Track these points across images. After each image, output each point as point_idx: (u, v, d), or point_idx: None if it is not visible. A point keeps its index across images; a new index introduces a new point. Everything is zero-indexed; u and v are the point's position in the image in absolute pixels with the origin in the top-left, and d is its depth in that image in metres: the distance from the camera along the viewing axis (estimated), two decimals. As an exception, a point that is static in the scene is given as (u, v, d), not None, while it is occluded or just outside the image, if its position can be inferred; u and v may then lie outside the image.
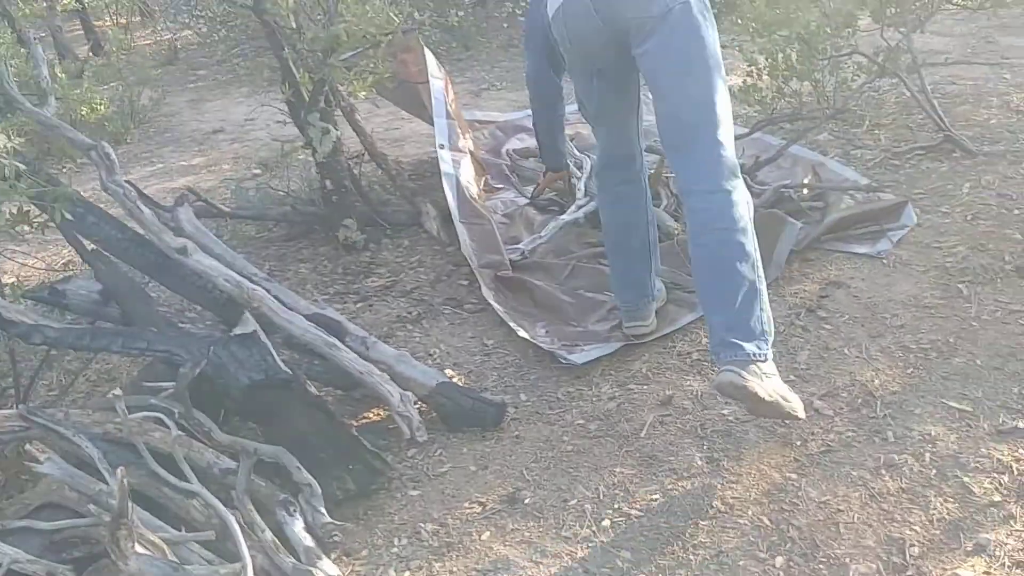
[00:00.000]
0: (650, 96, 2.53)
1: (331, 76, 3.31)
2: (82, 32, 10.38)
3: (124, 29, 9.52)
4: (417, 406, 2.64)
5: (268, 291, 2.72)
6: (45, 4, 8.17)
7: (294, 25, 3.14)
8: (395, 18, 3.15)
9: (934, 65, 4.67)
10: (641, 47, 2.42)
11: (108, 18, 10.36)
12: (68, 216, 2.20)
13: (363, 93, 3.62)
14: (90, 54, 9.13)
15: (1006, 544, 2.01)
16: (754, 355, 2.26)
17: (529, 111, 5.39)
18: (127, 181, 2.77)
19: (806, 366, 2.74)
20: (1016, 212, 3.40)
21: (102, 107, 5.83)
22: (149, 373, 2.50)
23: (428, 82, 3.89)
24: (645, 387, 2.76)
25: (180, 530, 2.04)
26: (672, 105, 2.42)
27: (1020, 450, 2.27)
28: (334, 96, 3.57)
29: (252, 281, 2.74)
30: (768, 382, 2.25)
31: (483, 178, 4.31)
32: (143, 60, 7.97)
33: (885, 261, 3.24)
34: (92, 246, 2.58)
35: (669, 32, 2.36)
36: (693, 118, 2.39)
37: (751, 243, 2.36)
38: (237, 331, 2.35)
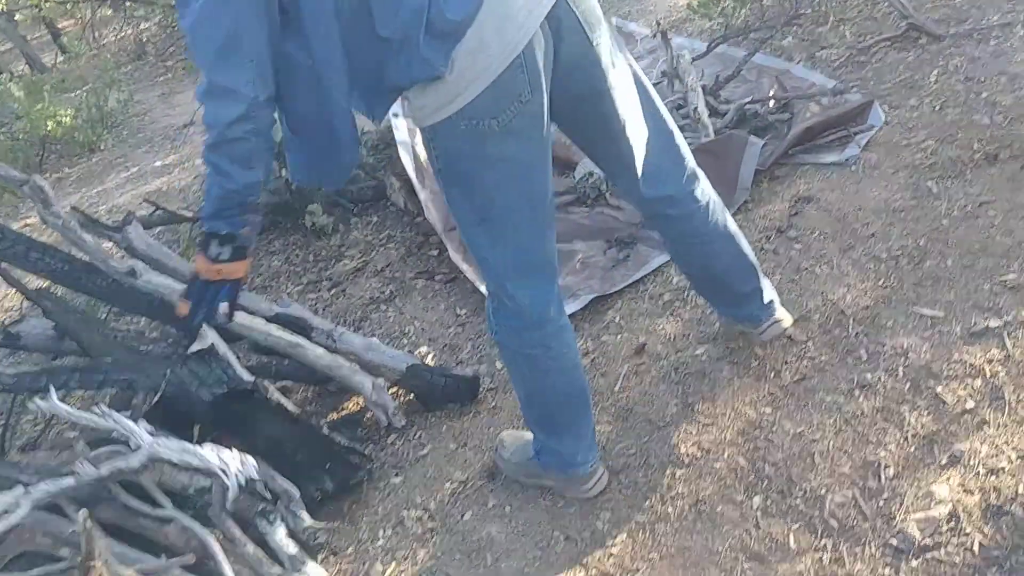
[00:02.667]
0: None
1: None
2: (50, 37, 10.31)
3: (85, 29, 9.40)
4: (392, 391, 2.64)
5: (228, 298, 2.71)
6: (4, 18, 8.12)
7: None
8: None
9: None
10: (596, 79, 1.91)
11: (76, 16, 10.24)
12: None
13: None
14: (57, 60, 9.07)
15: (979, 452, 1.98)
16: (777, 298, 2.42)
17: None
18: (72, 207, 2.75)
19: (778, 291, 2.69)
20: (984, 95, 3.29)
21: (68, 119, 5.79)
22: (120, 400, 2.51)
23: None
24: (619, 337, 2.74)
25: (161, 557, 2.06)
26: (646, 128, 2.05)
27: (992, 351, 2.22)
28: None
29: (210, 291, 2.72)
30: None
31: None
32: (110, 59, 7.91)
33: (854, 167, 3.16)
34: (40, 283, 2.58)
35: (618, 56, 1.96)
36: (669, 130, 2.14)
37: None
38: (194, 348, 2.35)
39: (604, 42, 1.85)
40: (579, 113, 1.92)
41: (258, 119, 1.61)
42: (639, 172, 2.04)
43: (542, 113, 1.78)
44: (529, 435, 2.27)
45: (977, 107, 3.23)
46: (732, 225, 2.25)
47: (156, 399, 2.18)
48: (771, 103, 3.67)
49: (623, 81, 1.92)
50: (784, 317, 2.42)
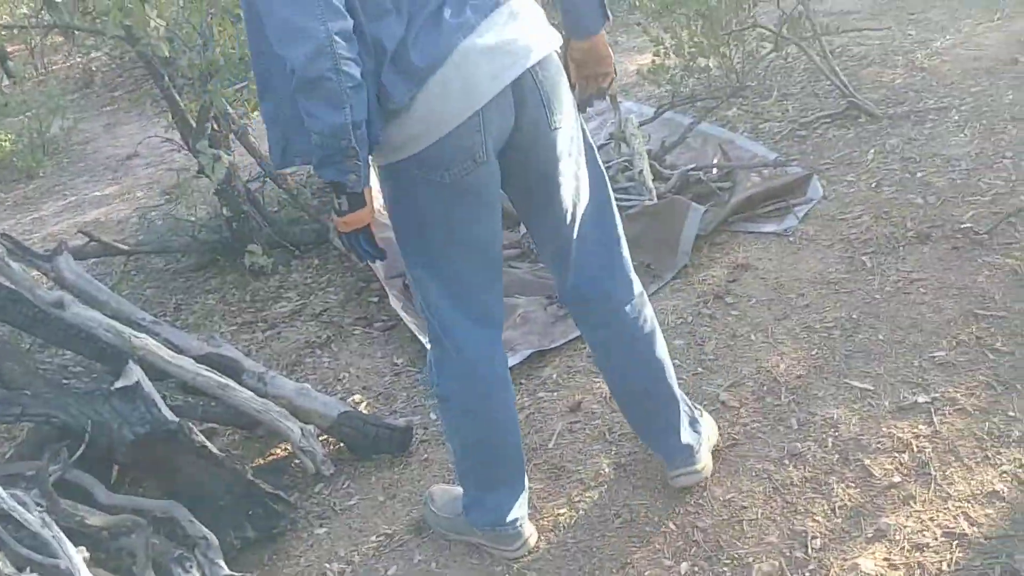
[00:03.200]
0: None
1: (215, 101, 3.22)
2: (-4, 62, 10.11)
3: (33, 54, 9.25)
4: (322, 439, 2.59)
5: (157, 335, 2.65)
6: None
7: (167, 53, 3.04)
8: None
9: (838, 33, 4.66)
10: (545, 164, 1.91)
11: (26, 41, 10.07)
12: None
13: (255, 114, 3.52)
14: (2, 84, 8.90)
15: (906, 527, 1.99)
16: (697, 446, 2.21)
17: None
18: (2, 234, 2.67)
19: (713, 356, 2.72)
20: (919, 175, 3.40)
21: (7, 143, 5.66)
22: (37, 434, 2.42)
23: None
24: (555, 394, 2.73)
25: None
26: (588, 230, 2.03)
27: (919, 426, 2.26)
28: (224, 120, 3.48)
29: (140, 326, 2.66)
30: (706, 451, 2.23)
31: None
32: (56, 87, 7.77)
33: (792, 238, 3.22)
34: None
35: (578, 149, 1.96)
36: (612, 235, 2.08)
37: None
38: (118, 384, 2.28)
39: (565, 127, 1.86)
40: (525, 187, 1.93)
41: (335, 54, 1.54)
42: (569, 267, 2.04)
43: (495, 175, 1.83)
44: (459, 490, 2.23)
45: (912, 187, 3.33)
46: (662, 351, 2.14)
47: (81, 450, 2.11)
48: (714, 171, 3.75)
49: (575, 174, 1.93)
50: (704, 467, 2.21)
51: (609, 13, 1.91)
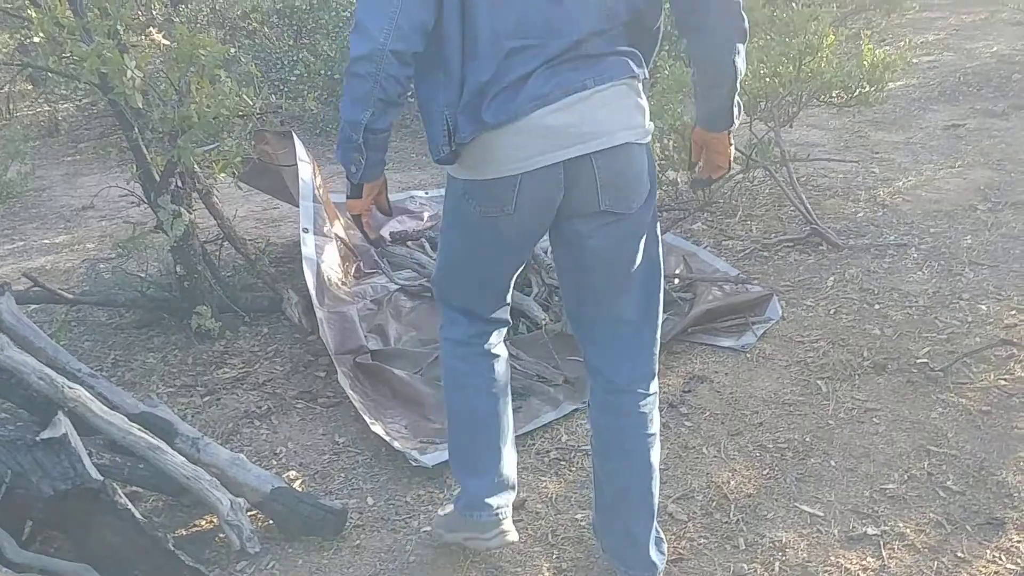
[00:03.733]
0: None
1: (183, 158, 3.16)
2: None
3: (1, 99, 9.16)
4: (251, 514, 2.46)
5: (92, 388, 2.53)
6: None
7: (140, 105, 2.99)
8: (249, 100, 3.04)
9: (806, 160, 4.78)
10: (600, 239, 1.94)
11: (-7, 86, 9.98)
12: None
13: (222, 175, 3.47)
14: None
15: (851, 663, 1.93)
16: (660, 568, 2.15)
17: (411, 193, 5.36)
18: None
19: (664, 466, 2.66)
20: (877, 307, 3.44)
21: (-40, 181, 5.52)
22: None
23: (294, 166, 3.78)
24: (499, 489, 2.63)
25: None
26: (618, 311, 2.02)
27: (868, 559, 2.21)
28: (190, 178, 3.42)
29: (76, 377, 2.54)
30: None
31: (355, 264, 4.19)
32: (19, 131, 7.65)
33: (749, 355, 3.21)
34: None
35: (635, 235, 1.96)
36: (641, 330, 2.06)
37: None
38: (44, 435, 2.15)
39: (624, 214, 1.90)
40: (572, 259, 2.01)
41: (381, 65, 1.69)
42: (597, 345, 2.08)
43: (526, 230, 1.97)
44: None
45: (869, 317, 3.36)
46: (654, 459, 2.09)
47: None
48: (676, 281, 3.75)
49: (628, 259, 1.95)
50: None
51: (735, 119, 1.95)
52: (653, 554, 2.12)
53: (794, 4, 4.36)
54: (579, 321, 2.10)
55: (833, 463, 2.59)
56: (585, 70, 1.80)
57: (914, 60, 6.46)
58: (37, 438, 2.16)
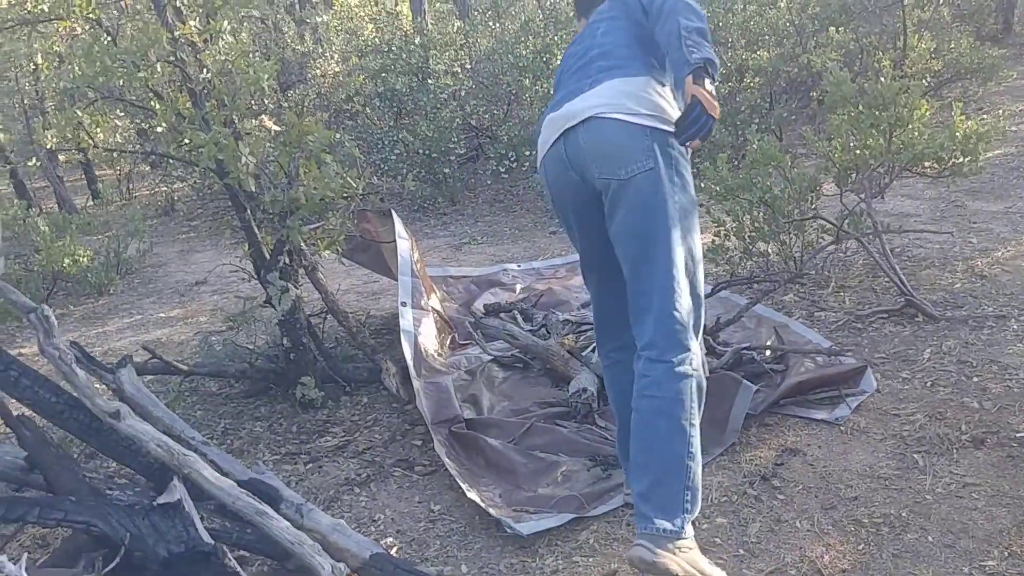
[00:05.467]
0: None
1: (292, 236, 3.36)
2: (85, 182, 10.68)
3: (120, 180, 9.78)
4: (350, 578, 2.55)
5: (204, 455, 2.68)
6: (46, 156, 8.43)
7: (253, 188, 3.21)
8: (352, 183, 3.23)
9: (899, 231, 4.74)
10: (610, 220, 2.47)
11: (116, 167, 10.62)
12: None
13: (326, 252, 3.67)
14: (87, 204, 9.37)
15: None
16: (667, 531, 2.23)
17: (504, 266, 5.50)
18: (72, 342, 2.77)
19: (756, 539, 2.66)
20: (975, 380, 3.37)
21: (84, 259, 5.92)
22: (73, 542, 2.43)
23: (393, 242, 3.96)
24: (591, 559, 2.67)
25: None
26: (633, 283, 2.45)
27: (968, 638, 2.17)
28: (297, 255, 3.62)
29: (190, 445, 2.70)
30: (684, 556, 2.18)
31: (451, 335, 4.33)
32: (138, 211, 8.15)
33: (842, 428, 3.19)
34: (22, 410, 2.56)
35: (631, 208, 2.39)
36: (649, 299, 2.39)
37: (687, 418, 2.32)
38: (161, 500, 2.30)
39: (617, 179, 2.40)
40: (597, 222, 2.56)
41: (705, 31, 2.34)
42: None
43: (561, 202, 2.63)
44: None
45: (968, 390, 3.30)
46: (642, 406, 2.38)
47: (116, 561, 2.12)
48: (767, 352, 3.76)
49: (630, 221, 2.42)
50: (665, 560, 2.20)
51: (693, 67, 2.28)
52: (640, 505, 2.30)
53: (882, 78, 4.37)
54: (633, 307, 2.50)
55: (931, 539, 2.54)
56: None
57: (1012, 128, 6.37)
58: (154, 503, 2.32)
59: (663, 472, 2.27)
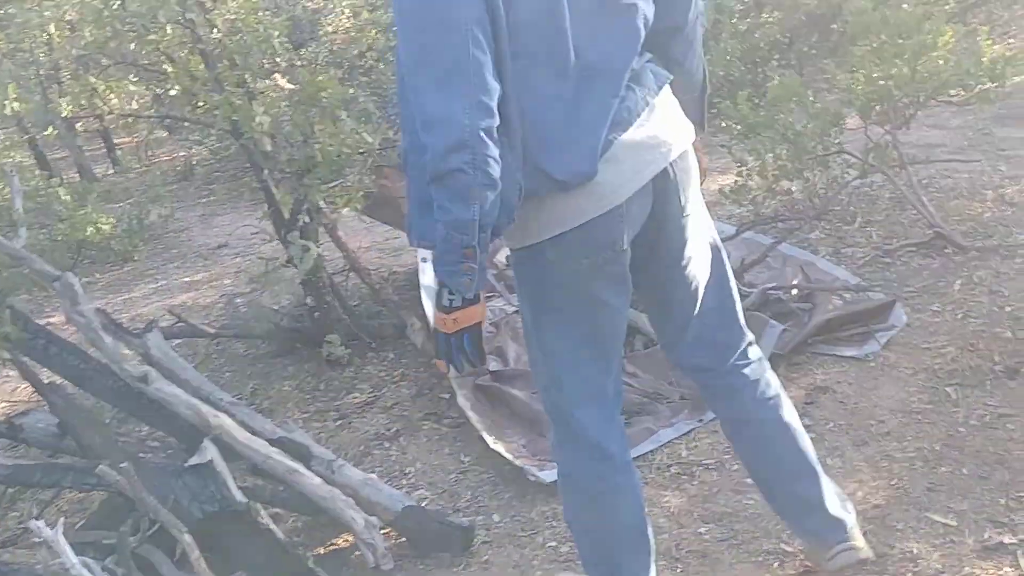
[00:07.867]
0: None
1: (310, 195, 3.34)
2: (105, 151, 10.68)
3: (138, 147, 9.76)
4: (383, 532, 2.58)
5: (234, 416, 2.70)
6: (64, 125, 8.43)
7: (268, 148, 3.19)
8: (368, 138, 3.20)
9: (926, 162, 4.65)
10: (669, 246, 1.95)
11: (134, 134, 10.59)
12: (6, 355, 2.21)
13: (346, 209, 3.65)
14: (108, 172, 9.39)
15: (989, 676, 1.88)
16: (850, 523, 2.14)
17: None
18: (98, 309, 2.79)
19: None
20: (1008, 309, 3.32)
21: (107, 227, 5.93)
22: (110, 505, 2.47)
23: (412, 196, 3.93)
24: (621, 505, 2.67)
25: None
26: (718, 293, 2.07)
27: (1005, 568, 2.15)
28: (316, 213, 3.60)
29: (218, 406, 2.72)
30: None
31: (473, 288, 4.31)
32: (158, 177, 8.14)
33: (873, 364, 3.15)
34: (52, 378, 2.59)
35: (700, 227, 2.00)
36: (735, 302, 2.13)
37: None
38: (192, 461, 2.32)
39: (694, 209, 1.92)
40: (650, 266, 1.94)
41: (476, 149, 1.55)
42: (686, 337, 2.05)
43: (628, 264, 1.86)
44: None
45: (1000, 320, 3.25)
46: (790, 417, 2.10)
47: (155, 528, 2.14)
48: (794, 291, 3.71)
49: (700, 251, 1.98)
50: (860, 545, 2.13)
51: (704, 126, 1.98)
52: (836, 510, 2.11)
53: (905, 5, 4.25)
54: (672, 330, 2.09)
55: (965, 471, 2.52)
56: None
57: (1041, 51, 6.19)
58: (186, 464, 2.34)
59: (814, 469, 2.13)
